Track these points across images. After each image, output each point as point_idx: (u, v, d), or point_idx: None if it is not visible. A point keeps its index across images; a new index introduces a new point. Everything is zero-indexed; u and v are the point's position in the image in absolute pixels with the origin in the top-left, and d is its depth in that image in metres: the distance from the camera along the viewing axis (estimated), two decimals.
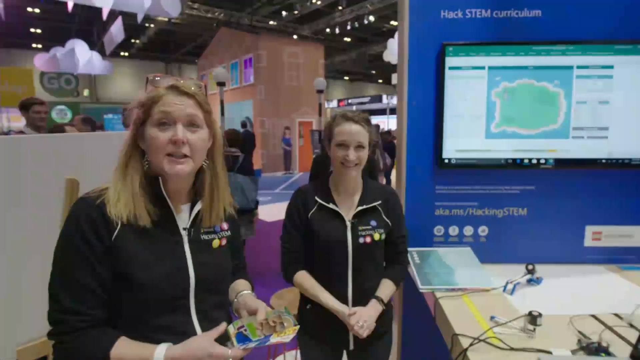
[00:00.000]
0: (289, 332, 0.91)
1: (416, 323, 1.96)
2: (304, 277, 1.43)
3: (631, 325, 1.22)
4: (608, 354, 1.06)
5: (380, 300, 1.39)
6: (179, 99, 0.87)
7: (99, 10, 6.75)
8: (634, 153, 1.71)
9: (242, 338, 0.88)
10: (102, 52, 11.02)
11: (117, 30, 6.57)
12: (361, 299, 1.39)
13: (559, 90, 1.70)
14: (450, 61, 1.71)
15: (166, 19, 13.94)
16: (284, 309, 0.97)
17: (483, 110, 1.74)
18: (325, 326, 1.41)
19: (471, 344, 1.12)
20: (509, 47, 1.69)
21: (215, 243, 0.99)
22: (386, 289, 1.43)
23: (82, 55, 10.30)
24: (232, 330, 0.90)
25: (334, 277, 1.41)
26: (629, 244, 1.81)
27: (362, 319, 1.30)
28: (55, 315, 0.82)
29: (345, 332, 1.38)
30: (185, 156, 0.87)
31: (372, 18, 13.35)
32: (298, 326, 0.93)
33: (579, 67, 1.68)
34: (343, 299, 1.38)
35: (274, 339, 0.89)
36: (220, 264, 1.01)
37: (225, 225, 1.03)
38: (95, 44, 13.72)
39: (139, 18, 5.88)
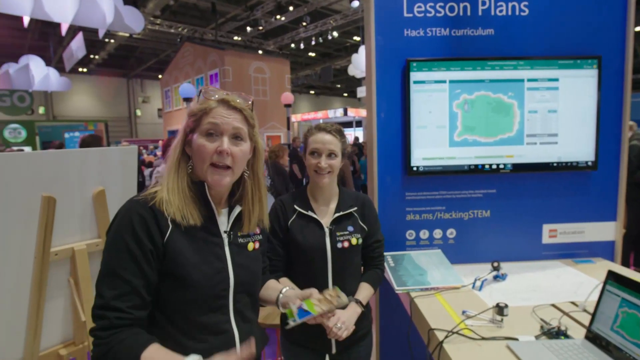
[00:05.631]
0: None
1: (393, 324, 2.04)
2: (285, 284, 1.46)
3: (585, 311, 1.35)
4: (566, 336, 1.17)
5: (358, 302, 1.44)
6: (228, 112, 0.93)
7: (54, 25, 6.52)
8: (580, 156, 1.89)
9: (303, 313, 1.10)
10: (58, 68, 10.61)
11: (77, 46, 6.37)
12: None
13: (513, 101, 1.86)
14: (414, 76, 1.84)
15: (127, 34, 13.66)
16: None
17: (446, 121, 1.87)
18: (308, 332, 1.43)
19: (446, 337, 1.20)
20: (466, 62, 1.84)
21: (250, 246, 1.06)
22: (364, 291, 1.48)
23: (37, 72, 9.87)
24: (294, 308, 1.10)
25: (314, 282, 1.45)
26: (581, 239, 1.98)
27: (340, 321, 1.34)
28: (96, 311, 0.83)
29: (327, 337, 1.42)
30: (227, 167, 0.93)
31: (335, 34, 13.69)
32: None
33: (529, 80, 1.86)
34: None
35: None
36: (255, 266, 1.06)
37: (258, 230, 1.09)
38: (52, 60, 13.19)
39: (101, 34, 5.75)
